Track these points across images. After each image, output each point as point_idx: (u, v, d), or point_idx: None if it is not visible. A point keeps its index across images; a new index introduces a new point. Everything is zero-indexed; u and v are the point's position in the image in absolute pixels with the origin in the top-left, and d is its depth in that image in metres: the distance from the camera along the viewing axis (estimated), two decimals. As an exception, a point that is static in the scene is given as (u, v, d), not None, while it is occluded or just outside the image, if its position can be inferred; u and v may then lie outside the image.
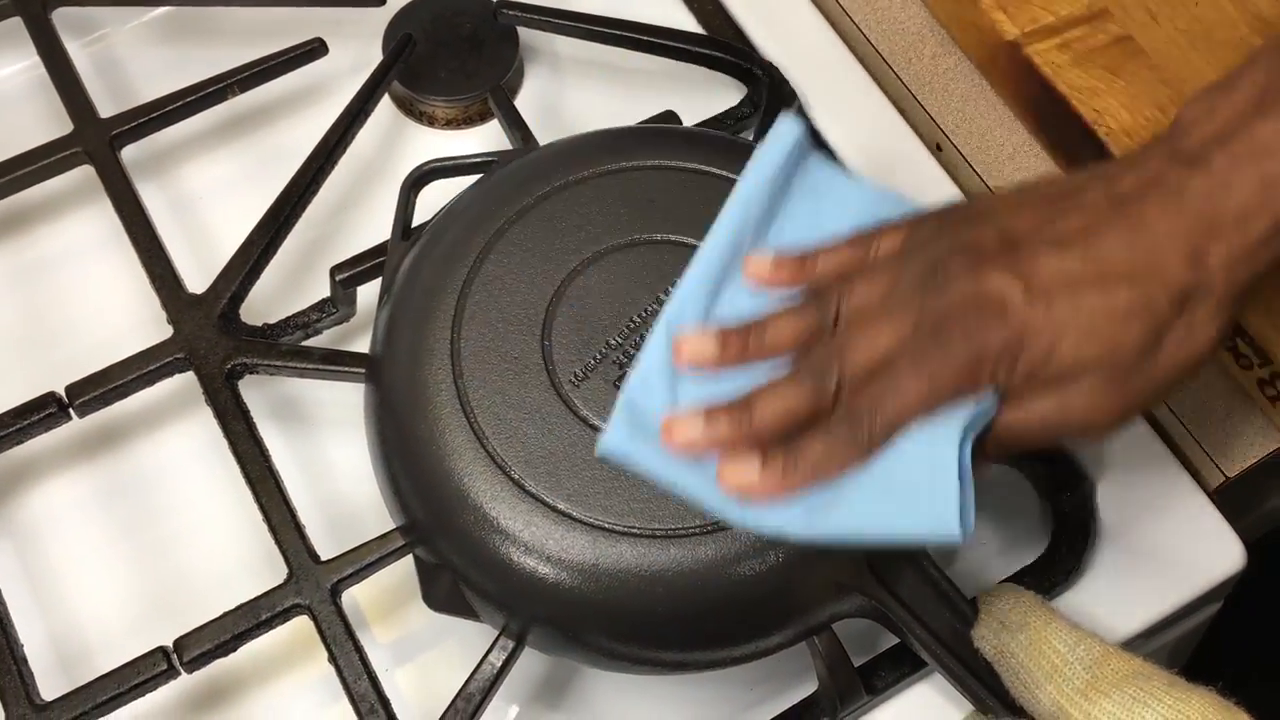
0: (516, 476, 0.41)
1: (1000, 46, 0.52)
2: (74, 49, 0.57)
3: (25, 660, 0.44)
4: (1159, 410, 0.51)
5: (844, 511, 0.37)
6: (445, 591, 0.43)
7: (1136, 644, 0.47)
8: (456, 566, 0.42)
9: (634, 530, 0.41)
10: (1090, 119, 0.50)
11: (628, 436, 0.38)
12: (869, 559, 0.42)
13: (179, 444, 0.51)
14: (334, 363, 0.47)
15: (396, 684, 0.47)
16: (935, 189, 0.56)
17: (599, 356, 0.43)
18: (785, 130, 0.42)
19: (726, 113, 0.56)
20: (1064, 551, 0.48)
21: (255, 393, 0.51)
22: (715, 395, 0.38)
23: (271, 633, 0.46)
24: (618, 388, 0.42)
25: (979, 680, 0.41)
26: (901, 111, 0.58)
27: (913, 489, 0.37)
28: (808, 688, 0.45)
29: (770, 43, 0.58)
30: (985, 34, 0.53)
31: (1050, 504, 0.49)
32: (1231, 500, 0.49)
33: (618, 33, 0.56)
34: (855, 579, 0.42)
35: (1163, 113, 0.50)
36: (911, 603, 0.42)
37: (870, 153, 0.56)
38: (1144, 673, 0.38)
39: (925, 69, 0.58)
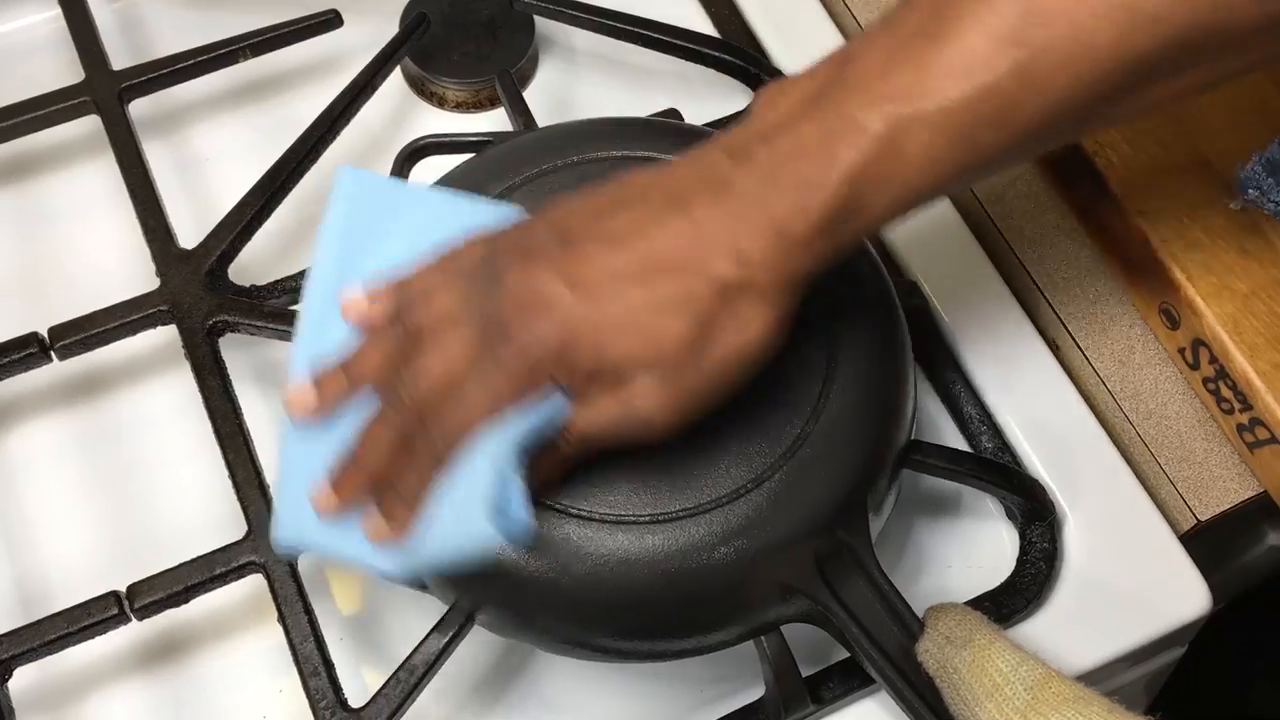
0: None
1: (1009, 72, 0.52)
2: (97, 4, 0.58)
3: (-19, 593, 0.44)
4: (1136, 449, 0.51)
5: (436, 536, 0.38)
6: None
7: (1090, 681, 0.46)
8: None
9: (583, 513, 0.41)
10: (1090, 150, 0.50)
11: (292, 524, 0.40)
12: (819, 562, 0.42)
13: (158, 398, 0.52)
14: (314, 327, 0.47)
15: (351, 655, 0.47)
16: (936, 211, 0.55)
17: None
18: (345, 179, 0.43)
19: (732, 116, 0.56)
20: (1026, 580, 0.47)
21: (241, 354, 0.51)
22: (339, 445, 0.40)
23: (231, 596, 0.47)
24: None
25: (919, 696, 0.41)
26: (907, 130, 0.57)
27: (479, 500, 0.38)
28: (758, 692, 0.45)
29: (782, 51, 0.58)
30: (996, 59, 0.53)
31: (1019, 532, 0.49)
32: (1201, 546, 0.49)
33: (631, 29, 0.56)
34: (803, 582, 0.41)
35: (1166, 150, 0.50)
36: (857, 611, 0.41)
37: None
38: (1083, 697, 0.38)
39: (935, 90, 0.57)
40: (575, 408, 0.39)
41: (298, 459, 0.40)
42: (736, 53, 0.56)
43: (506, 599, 0.42)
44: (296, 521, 0.40)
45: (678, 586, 0.40)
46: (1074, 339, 0.53)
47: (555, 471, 0.40)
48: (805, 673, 0.44)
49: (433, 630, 0.43)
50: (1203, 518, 0.49)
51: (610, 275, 0.37)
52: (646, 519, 0.41)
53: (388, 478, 0.39)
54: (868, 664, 0.42)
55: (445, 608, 0.43)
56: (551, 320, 0.37)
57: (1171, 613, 0.47)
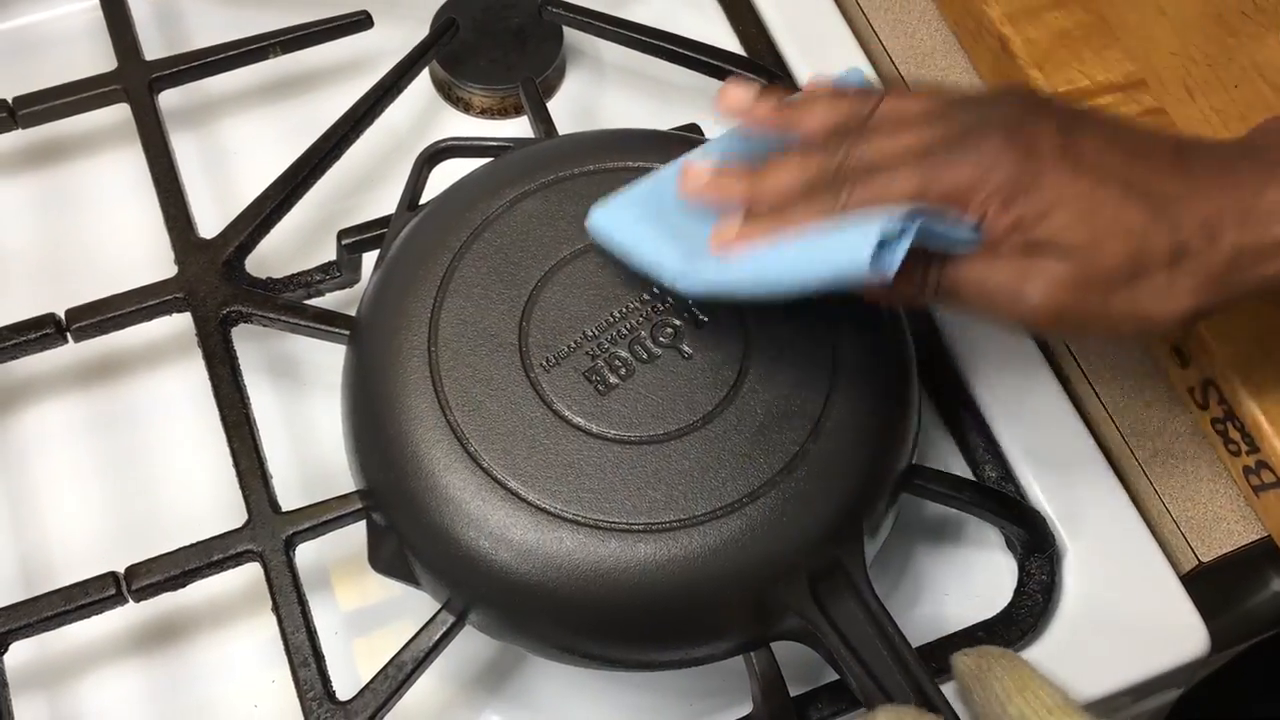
0: (473, 450, 0.42)
1: (1032, 103, 0.52)
2: (137, -3, 0.59)
3: (-17, 567, 0.45)
4: (1141, 486, 0.50)
5: (777, 260, 0.39)
6: (390, 554, 0.43)
7: (1083, 716, 0.46)
8: (401, 529, 0.43)
9: (578, 518, 0.41)
10: (1109, 184, 0.50)
11: (610, 216, 0.43)
12: (811, 581, 0.41)
13: (171, 385, 0.52)
14: (325, 322, 0.48)
15: (345, 648, 0.48)
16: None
17: (573, 346, 0.43)
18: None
19: (752, 135, 0.56)
20: (1023, 612, 0.47)
21: (253, 345, 0.52)
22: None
23: (229, 586, 0.47)
24: (588, 378, 0.43)
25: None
26: (928, 156, 0.57)
27: (844, 235, 0.38)
28: (747, 709, 0.45)
29: (808, 72, 0.59)
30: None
31: (1018, 563, 0.49)
32: (1203, 588, 0.48)
33: (658, 43, 0.57)
34: (794, 600, 0.41)
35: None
36: (847, 632, 0.41)
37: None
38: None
39: (958, 118, 0.58)
40: (976, 252, 0.38)
41: (652, 193, 0.43)
42: (761, 71, 0.56)
43: (496, 600, 0.42)
44: (615, 216, 0.43)
45: (666, 597, 0.40)
46: (1084, 372, 0.52)
47: (904, 294, 0.40)
48: (794, 692, 0.44)
49: (423, 627, 0.43)
50: (1205, 559, 0.49)
51: (1098, 164, 0.38)
52: (640, 527, 0.41)
53: (772, 199, 0.40)
54: (854, 686, 0.42)
55: (438, 606, 0.43)
56: (1025, 161, 0.37)
57: (1168, 653, 0.47)
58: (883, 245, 0.37)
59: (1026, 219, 0.37)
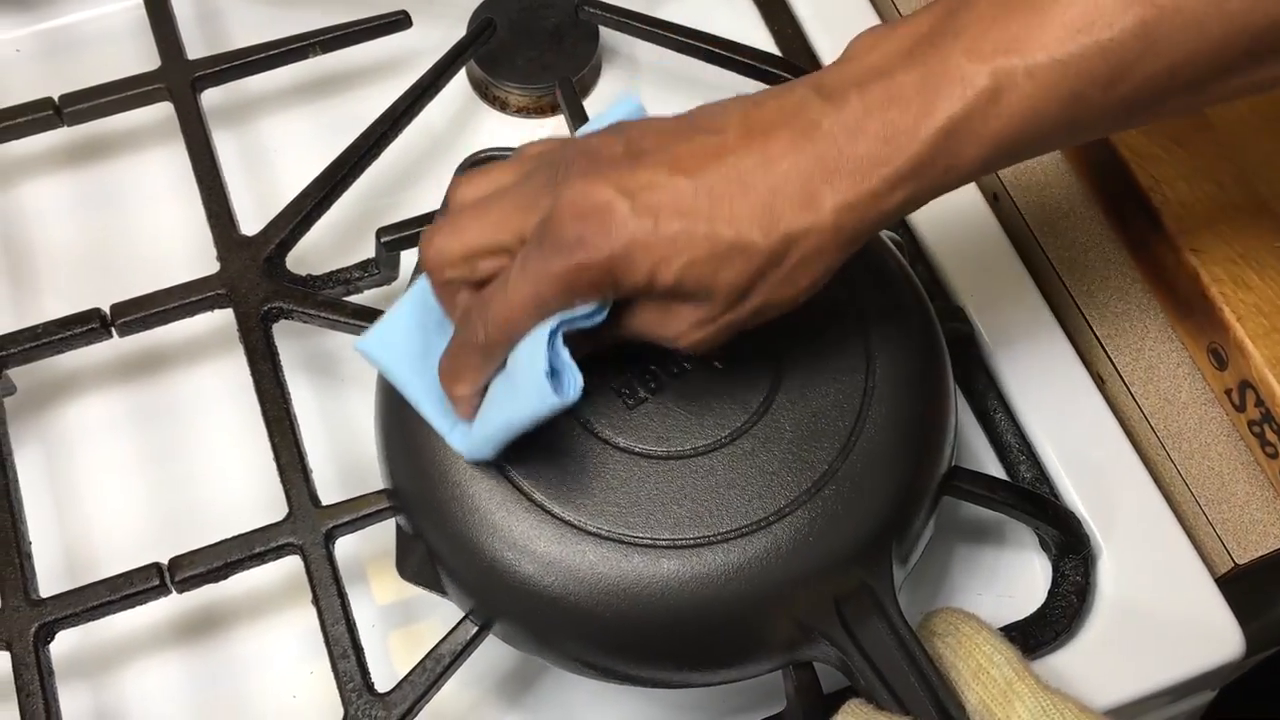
0: (499, 461, 0.42)
1: (1069, 104, 0.52)
2: (180, -3, 0.60)
3: (30, 557, 0.46)
4: (1176, 487, 0.50)
5: (491, 413, 0.40)
6: (418, 562, 0.44)
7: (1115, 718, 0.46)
8: (428, 537, 0.43)
9: (602, 532, 0.41)
10: (1146, 185, 0.50)
11: (382, 341, 0.42)
12: (838, 603, 0.41)
13: (212, 380, 0.53)
14: (364, 319, 0.48)
15: (381, 643, 0.48)
16: (987, 238, 0.55)
17: (604, 359, 0.42)
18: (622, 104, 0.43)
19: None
20: (1056, 613, 0.47)
21: (293, 341, 0.52)
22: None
23: (269, 578, 0.48)
24: (617, 391, 0.43)
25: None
26: (963, 157, 0.57)
27: (525, 377, 0.38)
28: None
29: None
30: (1056, 90, 0.53)
31: (1052, 564, 0.49)
32: (1238, 591, 0.48)
33: (693, 43, 0.57)
34: (820, 622, 0.40)
35: (1221, 189, 0.50)
36: (874, 657, 0.40)
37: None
38: (1058, 691, 0.39)
39: (994, 118, 0.58)
40: (613, 311, 0.38)
41: (419, 297, 0.42)
42: (796, 71, 0.56)
43: (518, 612, 0.42)
44: (386, 341, 0.42)
45: (688, 615, 0.40)
46: (1119, 374, 0.52)
47: (588, 348, 0.40)
48: (829, 689, 0.44)
49: (460, 622, 0.43)
50: (1240, 561, 0.48)
51: (673, 199, 0.36)
52: (664, 543, 0.40)
53: (449, 359, 0.41)
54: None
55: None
56: (604, 232, 0.36)
57: (1203, 655, 0.47)
58: (554, 373, 0.38)
59: (634, 283, 0.37)
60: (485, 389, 0.41)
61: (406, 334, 0.42)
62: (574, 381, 0.38)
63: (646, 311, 0.38)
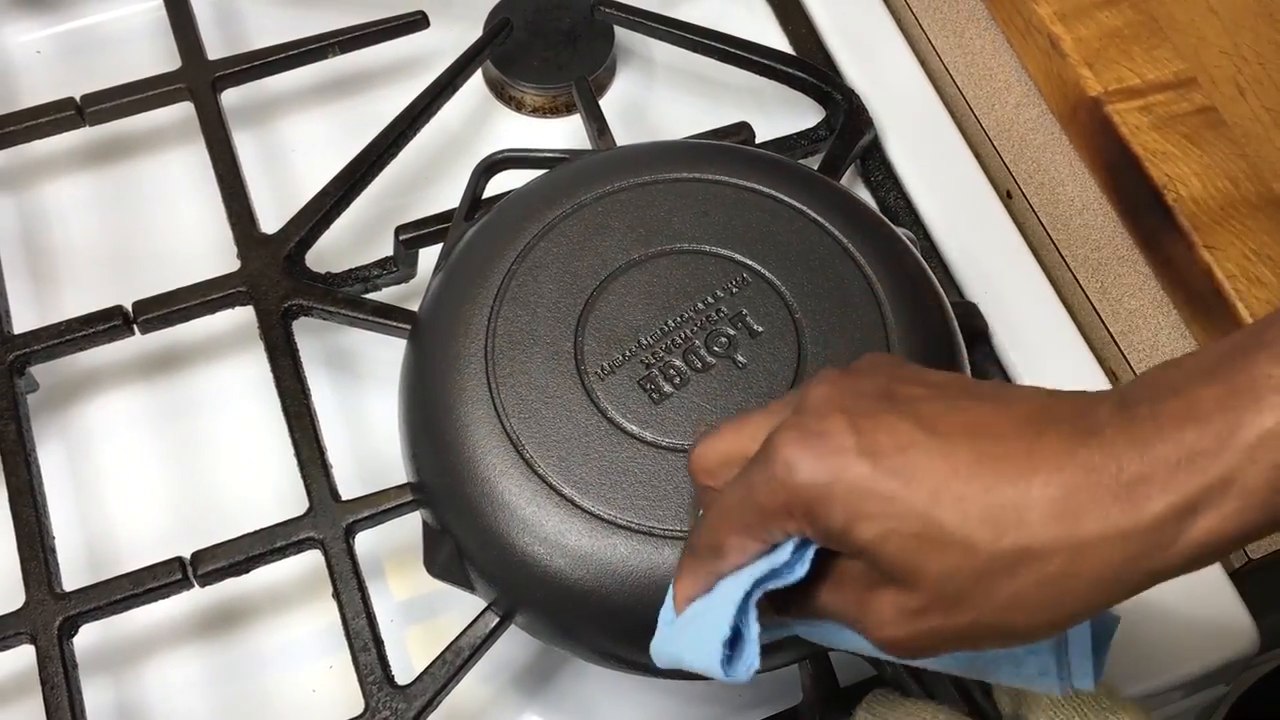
0: (528, 456, 0.42)
1: (1082, 102, 0.52)
2: (200, -2, 0.60)
3: (54, 551, 0.46)
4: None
5: (675, 639, 0.36)
6: (445, 558, 0.44)
7: (1131, 711, 0.46)
8: (456, 533, 0.43)
9: (631, 525, 0.41)
10: (1160, 183, 0.50)
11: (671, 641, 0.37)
12: None
13: (233, 376, 0.54)
14: (383, 316, 0.49)
15: (399, 636, 0.49)
16: (1000, 235, 0.56)
17: (628, 354, 0.44)
18: None
19: (802, 133, 0.57)
20: (1071, 607, 0.47)
21: (313, 338, 0.53)
22: None
23: (289, 573, 0.48)
24: (642, 387, 0.43)
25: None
26: (977, 155, 0.58)
27: (708, 630, 0.35)
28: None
29: (856, 71, 0.59)
30: (1069, 88, 0.53)
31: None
32: (1253, 586, 0.48)
33: (708, 43, 0.58)
34: None
35: (1235, 186, 0.50)
36: None
37: (939, 192, 0.57)
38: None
39: (1007, 116, 0.58)
40: (811, 576, 0.33)
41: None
42: (811, 70, 0.57)
43: (549, 605, 0.42)
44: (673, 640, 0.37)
45: None
46: (1133, 371, 0.52)
47: (778, 628, 0.36)
48: (844, 683, 0.44)
49: (479, 615, 0.44)
50: (1254, 556, 0.49)
51: (904, 455, 0.31)
52: None
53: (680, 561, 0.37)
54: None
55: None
56: (814, 458, 0.31)
57: (1217, 650, 0.47)
58: (734, 640, 0.34)
59: (835, 529, 0.31)
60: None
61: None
62: (750, 662, 0.34)
63: (848, 582, 0.33)
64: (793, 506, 0.32)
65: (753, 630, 0.34)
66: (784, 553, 0.33)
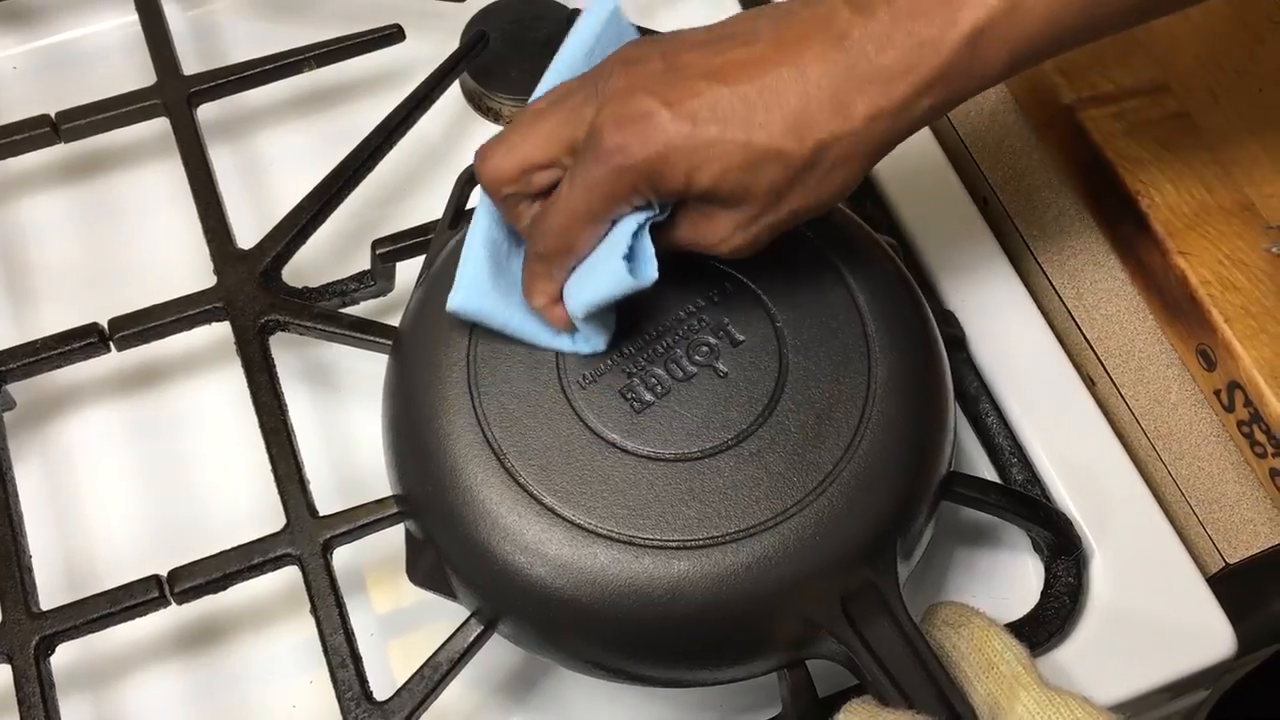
0: (509, 465, 0.42)
1: (1057, 109, 0.52)
2: (174, 12, 0.60)
3: (30, 570, 0.46)
4: (1167, 488, 0.51)
5: (573, 301, 0.42)
6: (428, 567, 0.44)
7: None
8: (438, 541, 0.43)
9: (612, 534, 0.41)
10: (1134, 189, 0.50)
11: (469, 292, 0.43)
12: (844, 599, 0.41)
13: (210, 392, 0.54)
14: (360, 330, 0.49)
15: (380, 651, 0.49)
16: (976, 241, 0.56)
17: (610, 364, 0.44)
18: (600, 4, 0.44)
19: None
20: (1049, 614, 0.48)
21: (291, 354, 0.53)
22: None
23: (267, 589, 0.48)
24: (623, 396, 0.43)
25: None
26: (953, 162, 0.58)
27: (602, 262, 0.41)
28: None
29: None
30: (1044, 95, 0.53)
31: (1045, 565, 0.49)
32: (1229, 590, 0.48)
33: (684, 53, 0.57)
34: (827, 620, 0.41)
35: (1209, 193, 0.50)
36: (881, 654, 0.40)
37: (915, 197, 0.57)
38: (1059, 687, 0.40)
39: (983, 123, 0.58)
40: (662, 225, 0.40)
41: (485, 230, 0.44)
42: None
43: (530, 614, 0.42)
44: (473, 291, 0.43)
45: (698, 615, 0.40)
46: (1110, 375, 0.53)
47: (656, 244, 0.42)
48: (823, 694, 0.44)
49: (458, 629, 0.44)
50: (1231, 560, 0.49)
51: (710, 107, 0.38)
52: (674, 544, 0.41)
53: (525, 274, 0.43)
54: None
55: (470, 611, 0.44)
56: (643, 137, 0.38)
57: (1195, 655, 0.47)
58: (630, 258, 0.40)
59: (675, 186, 0.39)
60: (562, 295, 0.43)
61: (486, 275, 0.44)
62: (650, 267, 0.40)
63: (690, 219, 0.40)
64: (638, 182, 0.39)
65: (647, 243, 0.40)
66: (632, 223, 0.40)
